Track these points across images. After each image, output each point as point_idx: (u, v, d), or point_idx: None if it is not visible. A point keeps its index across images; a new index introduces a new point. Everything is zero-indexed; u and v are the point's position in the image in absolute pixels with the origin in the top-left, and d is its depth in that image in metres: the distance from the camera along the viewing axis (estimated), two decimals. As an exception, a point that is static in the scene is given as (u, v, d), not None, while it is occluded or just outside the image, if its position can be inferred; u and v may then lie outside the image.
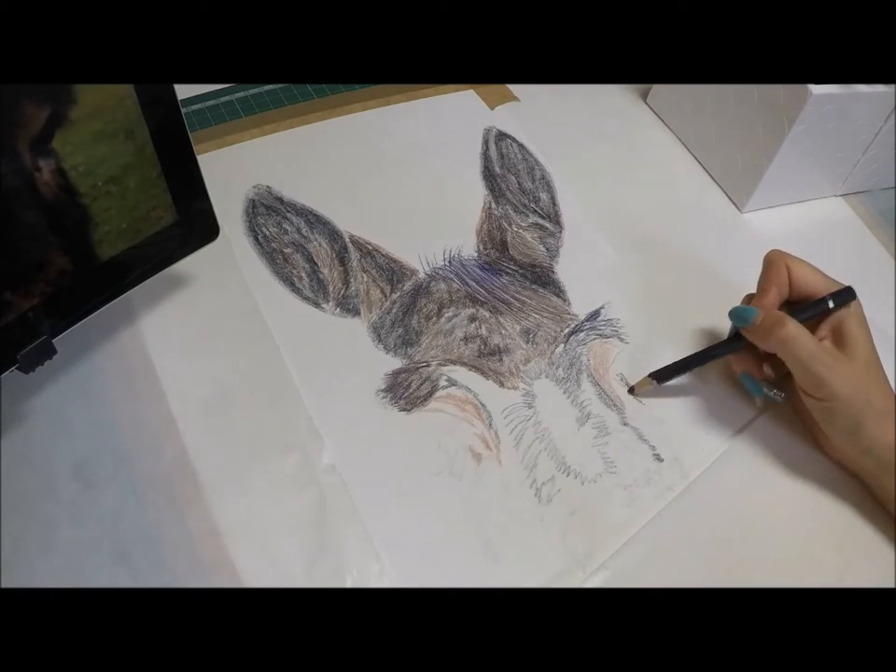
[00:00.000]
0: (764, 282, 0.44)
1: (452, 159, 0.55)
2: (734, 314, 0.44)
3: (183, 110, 0.36)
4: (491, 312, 0.47)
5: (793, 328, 0.41)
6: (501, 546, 0.39)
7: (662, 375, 0.45)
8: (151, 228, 0.37)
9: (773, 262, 0.44)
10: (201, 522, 0.37)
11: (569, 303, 0.49)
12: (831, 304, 0.43)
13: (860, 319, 0.42)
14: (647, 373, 0.45)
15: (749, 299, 0.45)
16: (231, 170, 0.50)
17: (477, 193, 0.53)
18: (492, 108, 0.59)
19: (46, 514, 0.36)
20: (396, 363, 0.44)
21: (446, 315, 0.47)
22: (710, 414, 0.45)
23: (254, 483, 0.39)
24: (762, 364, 0.44)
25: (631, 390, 0.46)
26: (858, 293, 0.43)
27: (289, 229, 0.48)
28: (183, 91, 0.36)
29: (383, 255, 0.48)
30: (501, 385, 0.44)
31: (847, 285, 0.43)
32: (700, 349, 0.46)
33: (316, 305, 0.46)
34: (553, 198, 0.54)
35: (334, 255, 0.48)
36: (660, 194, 0.57)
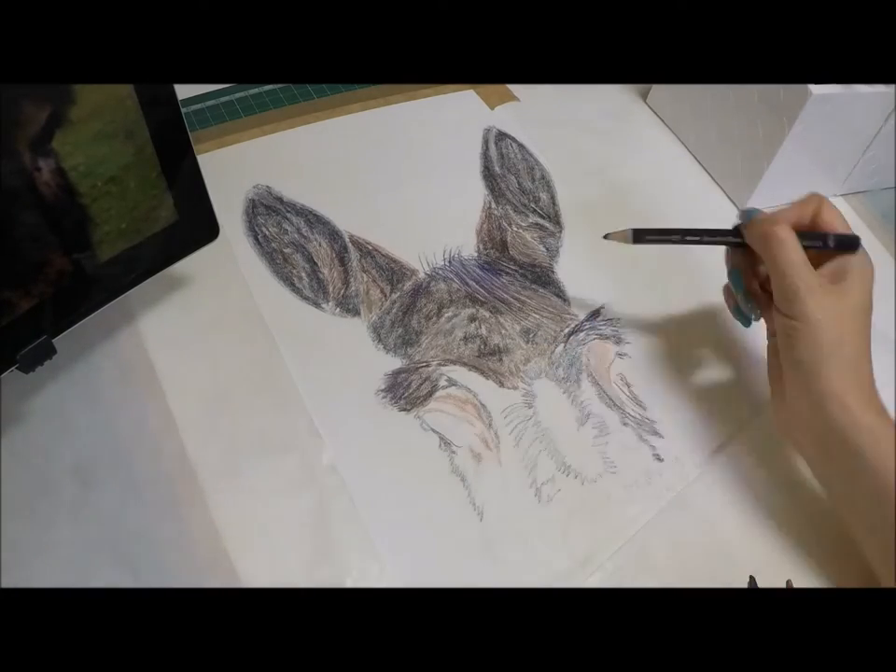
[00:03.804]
0: (790, 206, 0.42)
1: (452, 159, 0.55)
2: (743, 212, 0.42)
3: (183, 110, 0.36)
4: (491, 312, 0.47)
5: (784, 230, 0.39)
6: (501, 546, 0.39)
7: (642, 234, 0.43)
8: (151, 228, 0.37)
9: (808, 197, 0.42)
10: (200, 522, 0.37)
11: (569, 303, 0.49)
12: (831, 243, 0.41)
13: (863, 277, 0.40)
14: (644, 352, 0.45)
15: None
16: (231, 170, 0.50)
17: (477, 193, 0.53)
18: (492, 108, 0.59)
19: (46, 514, 0.36)
20: (396, 363, 0.44)
21: (446, 314, 0.47)
22: (710, 414, 0.45)
23: (254, 484, 0.39)
24: (753, 278, 0.43)
25: (606, 236, 0.44)
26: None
27: (289, 229, 0.48)
28: (183, 91, 0.36)
29: (382, 255, 0.48)
30: (501, 384, 0.44)
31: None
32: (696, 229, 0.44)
33: (316, 305, 0.46)
34: (552, 198, 0.54)
35: (334, 255, 0.48)
36: (660, 194, 0.57)
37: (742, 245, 0.42)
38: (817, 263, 0.40)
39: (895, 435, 0.37)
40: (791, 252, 0.39)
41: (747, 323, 0.44)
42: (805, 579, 0.40)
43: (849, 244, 0.41)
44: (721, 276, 0.45)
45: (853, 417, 0.37)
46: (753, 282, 0.43)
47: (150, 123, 0.35)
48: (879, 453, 0.36)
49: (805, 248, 0.40)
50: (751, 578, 0.37)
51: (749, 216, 0.42)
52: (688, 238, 0.43)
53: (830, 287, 0.39)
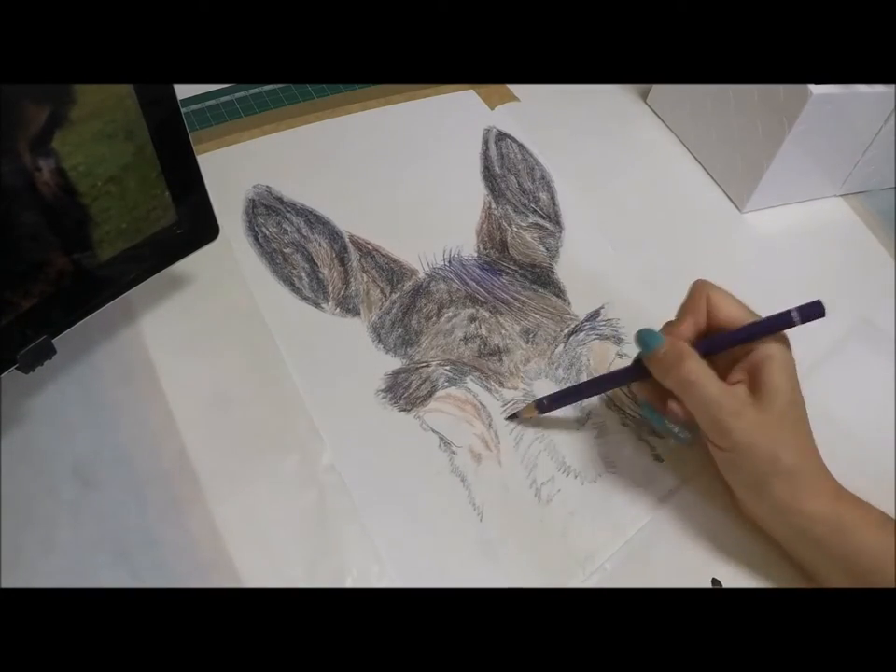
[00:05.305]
0: (682, 310, 0.41)
1: (452, 159, 0.55)
2: (639, 336, 0.39)
3: (183, 110, 0.36)
4: (491, 312, 0.47)
5: (695, 367, 0.37)
6: (501, 546, 0.39)
7: (545, 404, 0.42)
8: (151, 228, 0.37)
9: (694, 291, 0.40)
10: (201, 522, 0.37)
11: (569, 303, 0.49)
12: (786, 322, 0.37)
13: (782, 366, 0.37)
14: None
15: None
16: (231, 170, 0.50)
17: (477, 193, 0.53)
18: (492, 108, 0.59)
19: (46, 514, 0.36)
20: (396, 363, 0.44)
21: (446, 314, 0.47)
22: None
23: (254, 483, 0.39)
24: (668, 396, 0.39)
25: (512, 418, 0.43)
26: (858, 293, 0.42)
27: (289, 229, 0.48)
28: (183, 90, 0.36)
29: (382, 255, 0.48)
30: (501, 384, 0.44)
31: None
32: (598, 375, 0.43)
33: (316, 305, 0.46)
34: (552, 198, 0.54)
35: (334, 255, 0.48)
36: (660, 194, 0.57)
37: (649, 376, 0.39)
38: (730, 363, 0.39)
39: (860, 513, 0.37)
40: (707, 387, 0.37)
41: (681, 441, 0.41)
42: (804, 575, 0.40)
43: (813, 313, 0.37)
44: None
45: (809, 518, 0.37)
46: (672, 404, 0.39)
47: (150, 123, 0.35)
48: (843, 541, 0.36)
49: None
50: (714, 580, 0.38)
51: (647, 345, 0.39)
52: (587, 392, 0.43)
53: (752, 403, 0.37)
